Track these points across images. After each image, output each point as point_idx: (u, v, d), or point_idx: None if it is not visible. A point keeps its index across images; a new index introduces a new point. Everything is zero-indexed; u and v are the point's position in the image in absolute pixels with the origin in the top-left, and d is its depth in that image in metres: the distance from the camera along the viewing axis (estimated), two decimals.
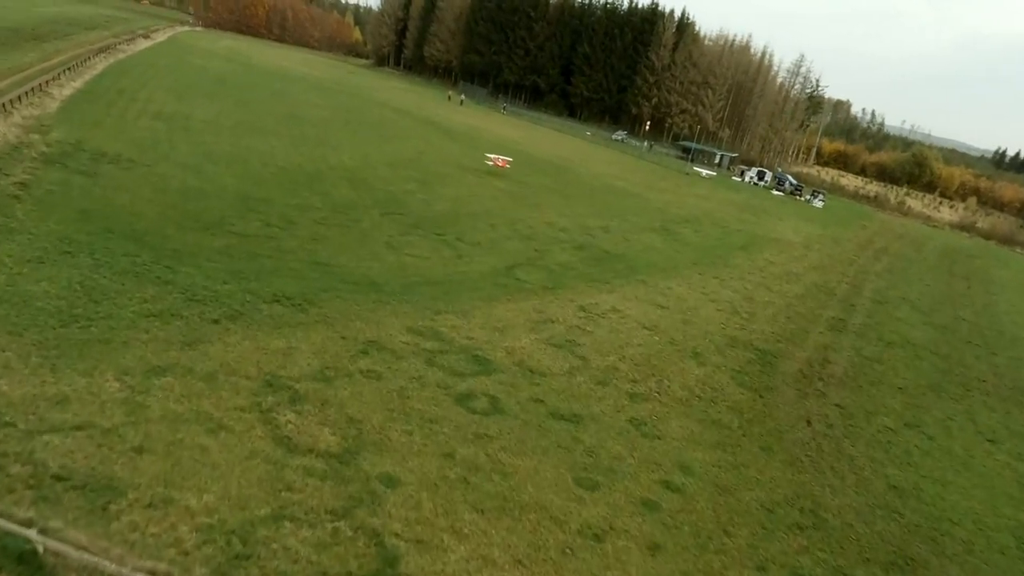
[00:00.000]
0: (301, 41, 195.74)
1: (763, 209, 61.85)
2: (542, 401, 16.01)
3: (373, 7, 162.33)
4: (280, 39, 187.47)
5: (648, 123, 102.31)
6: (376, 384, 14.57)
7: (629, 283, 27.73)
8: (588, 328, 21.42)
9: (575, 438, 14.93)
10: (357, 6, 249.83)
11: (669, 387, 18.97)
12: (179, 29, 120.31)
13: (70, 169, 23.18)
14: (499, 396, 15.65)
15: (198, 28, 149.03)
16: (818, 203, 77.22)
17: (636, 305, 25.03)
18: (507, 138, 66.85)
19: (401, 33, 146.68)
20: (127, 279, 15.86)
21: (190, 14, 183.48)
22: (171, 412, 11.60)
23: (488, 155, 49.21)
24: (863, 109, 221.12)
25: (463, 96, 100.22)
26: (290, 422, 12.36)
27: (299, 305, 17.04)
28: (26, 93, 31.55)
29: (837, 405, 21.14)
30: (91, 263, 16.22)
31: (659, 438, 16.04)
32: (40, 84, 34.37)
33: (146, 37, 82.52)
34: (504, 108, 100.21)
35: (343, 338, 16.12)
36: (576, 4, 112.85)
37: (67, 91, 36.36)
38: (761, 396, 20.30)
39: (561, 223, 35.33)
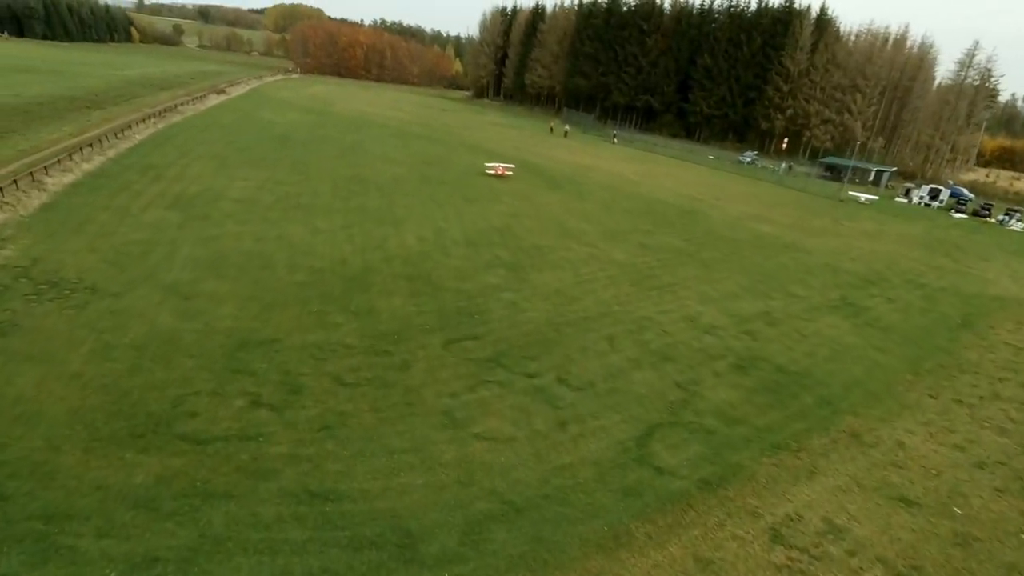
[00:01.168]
0: (400, 79, 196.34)
1: (956, 245, 47.97)
2: None
3: (475, 37, 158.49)
4: (379, 78, 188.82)
5: (785, 140, 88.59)
6: None
7: (834, 443, 17.36)
8: None
9: None
10: (459, 37, 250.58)
11: None
12: (268, 79, 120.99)
13: None
14: None
15: (294, 76, 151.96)
16: (1017, 225, 61.42)
17: (862, 505, 14.70)
18: (621, 176, 57.28)
19: (501, 61, 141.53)
20: None
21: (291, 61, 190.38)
22: None
23: (488, 164, 51.04)
24: (1012, 95, 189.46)
25: (567, 126, 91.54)
26: None
27: None
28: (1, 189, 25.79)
29: None
30: None
31: None
32: (33, 172, 28.88)
33: (221, 92, 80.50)
34: (615, 137, 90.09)
35: None
36: (695, 11, 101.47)
37: (70, 177, 30.94)
38: None
39: (706, 316, 25.30)
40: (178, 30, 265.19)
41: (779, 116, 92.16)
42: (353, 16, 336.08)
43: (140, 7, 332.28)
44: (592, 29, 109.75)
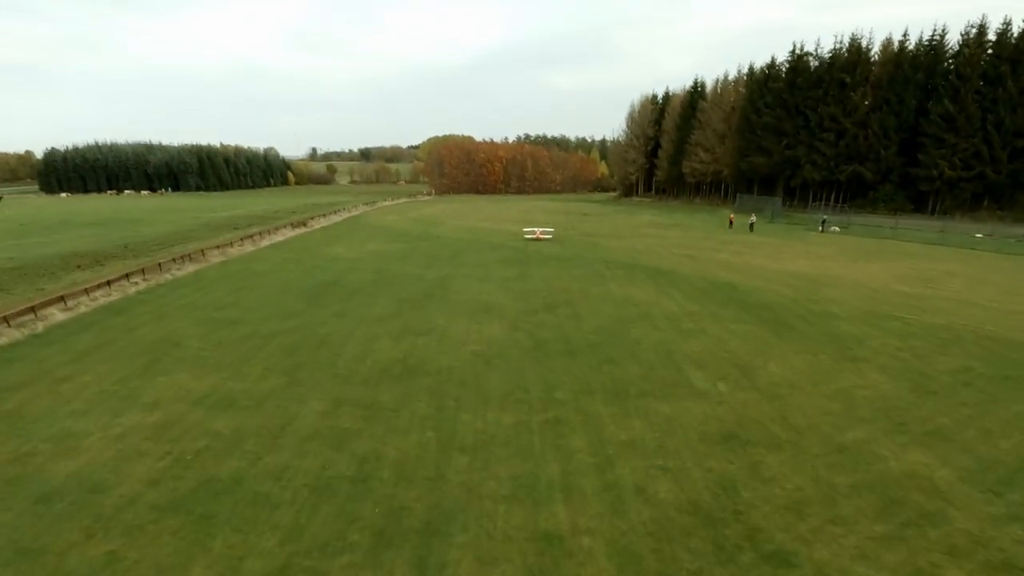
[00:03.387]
0: (542, 188, 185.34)
1: None
2: None
3: (621, 135, 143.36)
4: (519, 191, 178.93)
5: None
6: None
7: None
8: None
9: None
10: (604, 140, 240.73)
11: None
12: (384, 204, 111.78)
13: None
14: None
15: (424, 197, 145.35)
16: None
17: None
18: (882, 288, 34.01)
19: (652, 153, 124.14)
20: None
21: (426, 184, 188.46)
22: None
23: (526, 230, 56.90)
24: None
25: (753, 216, 68.95)
26: None
27: None
28: None
29: None
30: None
31: None
32: None
33: (300, 226, 68.03)
34: (824, 223, 65.28)
35: None
36: (921, 49, 77.49)
37: None
38: None
39: None
40: (331, 169, 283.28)
41: None
42: (500, 137, 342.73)
43: (314, 157, 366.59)
44: (772, 95, 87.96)
